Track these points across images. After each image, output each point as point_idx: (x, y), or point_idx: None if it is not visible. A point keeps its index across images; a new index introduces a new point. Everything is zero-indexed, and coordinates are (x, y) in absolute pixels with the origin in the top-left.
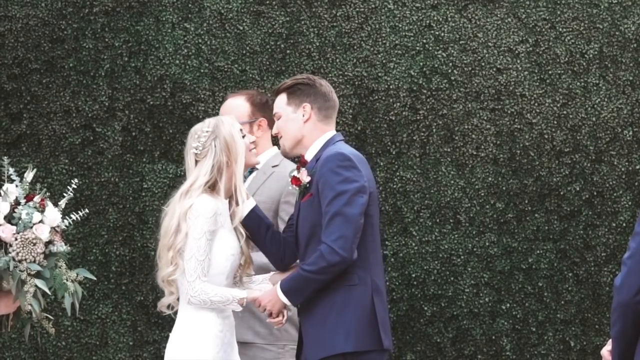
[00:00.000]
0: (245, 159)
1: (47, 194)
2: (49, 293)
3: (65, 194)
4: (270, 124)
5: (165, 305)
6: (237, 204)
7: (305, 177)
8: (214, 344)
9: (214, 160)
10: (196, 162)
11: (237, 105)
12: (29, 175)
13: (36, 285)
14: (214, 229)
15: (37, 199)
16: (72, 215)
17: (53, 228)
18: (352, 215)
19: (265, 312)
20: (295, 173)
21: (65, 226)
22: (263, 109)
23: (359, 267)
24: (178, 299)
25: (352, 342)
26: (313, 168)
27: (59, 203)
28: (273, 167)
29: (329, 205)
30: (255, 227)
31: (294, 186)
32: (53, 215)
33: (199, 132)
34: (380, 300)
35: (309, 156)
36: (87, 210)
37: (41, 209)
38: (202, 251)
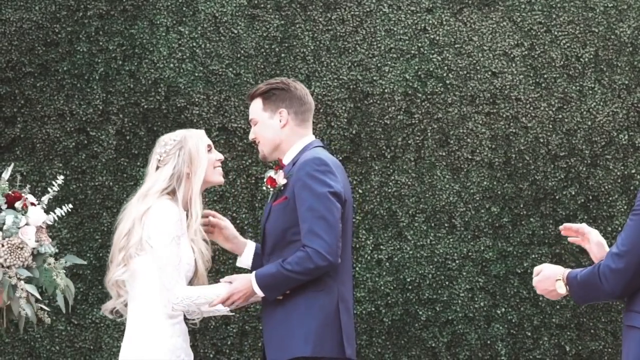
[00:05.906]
0: (207, 175)
1: (27, 191)
2: (40, 298)
3: (50, 190)
4: None
5: (110, 309)
6: (191, 216)
7: (281, 179)
8: (166, 349)
9: (174, 170)
10: (157, 167)
11: None
12: (7, 174)
13: (27, 291)
14: (179, 234)
15: (19, 204)
16: (56, 211)
17: (39, 227)
18: (333, 220)
19: (233, 305)
20: (271, 174)
21: (50, 221)
22: None
23: (327, 273)
24: (126, 305)
25: (311, 346)
26: (290, 171)
27: (42, 199)
28: None
29: (309, 210)
30: (259, 263)
31: (269, 187)
32: (36, 216)
33: (167, 140)
34: (345, 309)
35: (286, 160)
36: (71, 206)
37: (24, 210)
38: (174, 256)
